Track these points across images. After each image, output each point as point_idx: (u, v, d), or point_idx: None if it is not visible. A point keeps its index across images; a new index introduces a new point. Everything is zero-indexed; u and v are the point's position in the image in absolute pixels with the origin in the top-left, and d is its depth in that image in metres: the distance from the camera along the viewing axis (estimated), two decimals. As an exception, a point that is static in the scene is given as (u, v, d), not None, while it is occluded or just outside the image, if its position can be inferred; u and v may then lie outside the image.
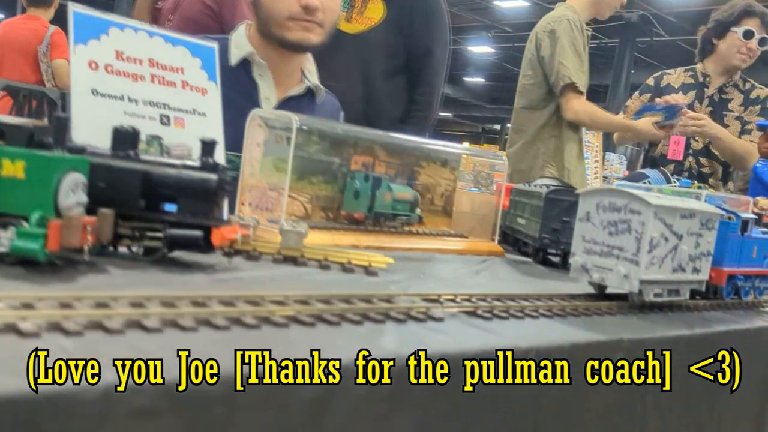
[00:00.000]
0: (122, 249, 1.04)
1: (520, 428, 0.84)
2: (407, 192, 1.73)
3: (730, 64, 3.37)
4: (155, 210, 1.05)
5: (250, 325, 0.72)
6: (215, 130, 1.54)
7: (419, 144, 1.89)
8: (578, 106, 3.05)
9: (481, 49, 20.71)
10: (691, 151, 3.39)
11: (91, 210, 0.93)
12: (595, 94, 14.64)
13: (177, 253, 1.08)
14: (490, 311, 0.99)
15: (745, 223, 1.38)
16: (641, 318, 1.14)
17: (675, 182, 2.25)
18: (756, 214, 1.54)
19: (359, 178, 1.62)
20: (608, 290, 1.23)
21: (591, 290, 1.24)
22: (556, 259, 1.75)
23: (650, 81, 3.63)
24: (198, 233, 1.01)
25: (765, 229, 1.64)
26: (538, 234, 1.71)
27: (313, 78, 2.09)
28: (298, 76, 2.08)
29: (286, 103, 1.99)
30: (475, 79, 24.58)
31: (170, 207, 1.09)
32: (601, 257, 1.18)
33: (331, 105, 2.20)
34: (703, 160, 3.40)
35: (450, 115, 22.95)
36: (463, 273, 1.42)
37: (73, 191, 0.89)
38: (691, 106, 3.41)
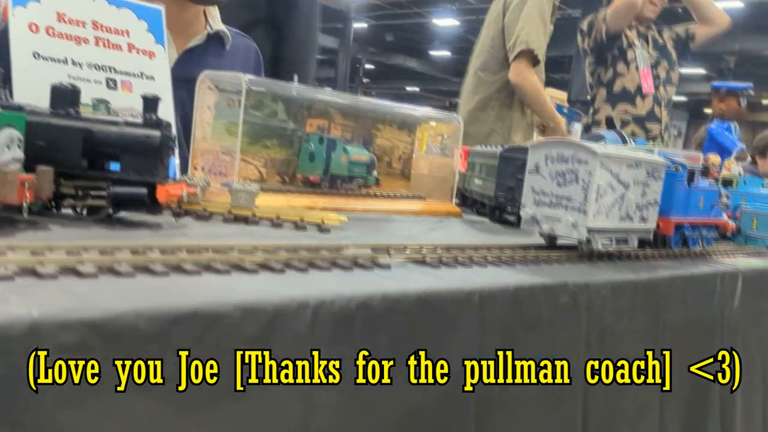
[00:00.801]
0: (67, 211, 1.03)
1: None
2: (363, 154, 1.73)
3: (642, 17, 3.51)
4: (98, 168, 1.04)
5: (190, 271, 0.72)
6: (164, 94, 1.52)
7: (375, 106, 1.88)
8: (527, 73, 3.10)
9: (445, 21, 20.61)
10: (661, 81, 3.49)
11: (31, 170, 0.92)
12: (559, 65, 14.70)
13: (124, 214, 1.07)
14: (438, 260, 1.00)
15: (691, 174, 1.41)
16: (589, 265, 1.17)
17: (631, 142, 2.28)
18: (704, 166, 1.57)
19: (314, 140, 1.61)
20: (559, 241, 1.25)
21: (539, 239, 1.26)
22: (512, 218, 1.76)
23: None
24: (142, 190, 0.99)
25: (712, 181, 1.68)
26: (494, 193, 1.73)
27: (217, 23, 1.92)
28: (202, 23, 1.90)
29: (188, 56, 1.84)
30: (441, 53, 24.51)
31: (115, 166, 1.07)
32: (550, 208, 1.19)
33: (244, 50, 2.03)
34: (668, 88, 3.52)
35: (417, 89, 22.90)
36: (418, 231, 1.43)
37: (8, 147, 0.87)
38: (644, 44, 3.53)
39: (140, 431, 0.56)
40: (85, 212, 1.02)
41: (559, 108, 3.29)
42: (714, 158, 2.07)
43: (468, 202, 1.98)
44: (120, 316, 0.55)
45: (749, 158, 4.13)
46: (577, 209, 1.15)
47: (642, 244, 1.33)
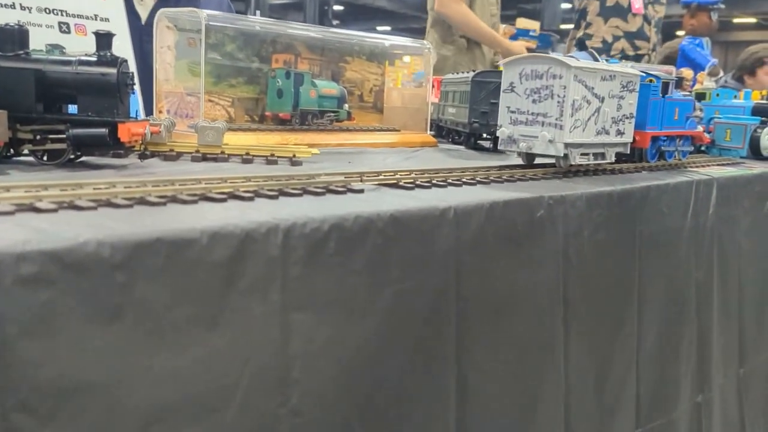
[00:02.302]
0: (28, 158, 1.00)
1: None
2: (333, 87, 1.69)
3: None
4: (55, 111, 1.00)
5: (155, 203, 0.70)
6: (121, 36, 1.46)
7: (342, 37, 1.83)
8: (450, 2, 3.06)
9: (413, -44, 20.05)
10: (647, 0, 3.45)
11: (-17, 116, 0.88)
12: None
13: (88, 158, 1.04)
14: (413, 182, 0.99)
15: (665, 85, 1.40)
16: (565, 180, 1.16)
17: (603, 61, 2.26)
18: (678, 78, 1.57)
19: (280, 76, 1.57)
20: (537, 160, 1.24)
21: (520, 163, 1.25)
22: (488, 144, 1.75)
23: None
24: (103, 131, 0.96)
25: (687, 93, 1.68)
26: (468, 119, 1.71)
27: None
28: None
29: (165, 2, 1.83)
30: (410, -10, 23.92)
31: (73, 109, 1.04)
32: (526, 126, 1.18)
33: (216, 1, 2.07)
34: (657, 7, 3.48)
35: (388, 28, 22.44)
36: (392, 161, 1.41)
37: (-45, 91, 0.83)
38: None
39: (112, 363, 0.55)
40: (46, 157, 0.99)
41: (523, 32, 3.23)
42: (687, 73, 2.06)
43: (443, 132, 1.96)
44: (81, 245, 0.53)
45: (720, 74, 4.10)
46: (554, 125, 1.14)
47: (619, 158, 1.32)
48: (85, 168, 0.99)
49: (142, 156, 1.11)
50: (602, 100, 1.20)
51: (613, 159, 1.28)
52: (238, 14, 1.59)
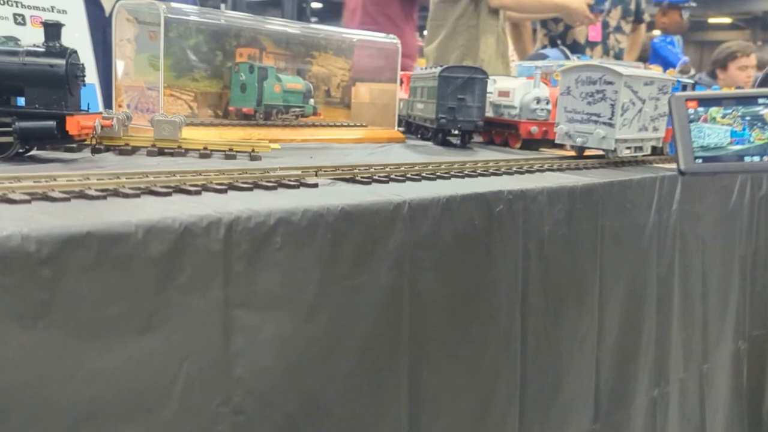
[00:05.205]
0: (-26, 152, 0.97)
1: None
2: (298, 82, 1.66)
3: None
4: (2, 104, 0.97)
5: (94, 196, 0.67)
6: (79, 27, 1.43)
7: (308, 31, 1.81)
8: None
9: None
10: (611, 29, 3.44)
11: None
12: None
13: (37, 152, 1.02)
14: (370, 177, 0.98)
15: (684, 87, 1.54)
16: (527, 176, 1.15)
17: (575, 59, 2.26)
18: (695, 82, 1.66)
19: (244, 70, 1.54)
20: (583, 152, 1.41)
21: (482, 157, 1.25)
22: (455, 140, 1.74)
23: None
24: (51, 123, 0.93)
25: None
26: (435, 115, 1.69)
27: None
28: None
29: None
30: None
31: (20, 101, 1.01)
32: (581, 124, 1.35)
33: None
34: (619, 36, 3.47)
35: (367, 26, 22.37)
36: (355, 156, 1.39)
37: None
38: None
39: (38, 362, 0.52)
40: (-9, 151, 0.96)
41: None
42: (656, 69, 2.07)
43: (412, 128, 1.94)
44: (4, 239, 0.51)
45: (692, 71, 4.14)
46: (606, 123, 1.30)
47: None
48: (34, 162, 0.96)
49: (95, 150, 1.09)
50: (644, 102, 1.35)
51: (649, 151, 1.44)
52: (204, 7, 1.56)
